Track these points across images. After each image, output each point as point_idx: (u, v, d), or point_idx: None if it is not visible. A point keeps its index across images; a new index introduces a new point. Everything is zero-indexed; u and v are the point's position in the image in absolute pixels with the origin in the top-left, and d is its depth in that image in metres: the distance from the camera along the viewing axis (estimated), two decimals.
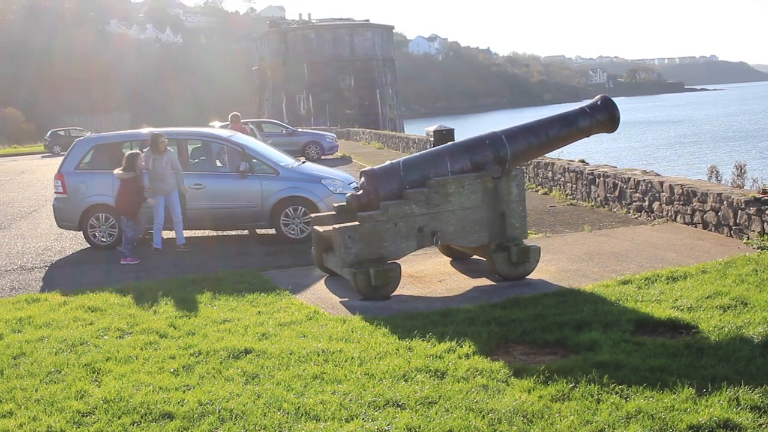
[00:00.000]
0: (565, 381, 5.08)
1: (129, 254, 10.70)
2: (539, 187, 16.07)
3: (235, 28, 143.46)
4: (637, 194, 12.02)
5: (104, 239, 11.87)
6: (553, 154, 15.40)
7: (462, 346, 5.89)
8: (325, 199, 11.48)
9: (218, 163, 12.67)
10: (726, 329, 5.95)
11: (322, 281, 8.66)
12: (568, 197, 14.46)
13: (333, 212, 8.80)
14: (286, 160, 12.47)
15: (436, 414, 4.73)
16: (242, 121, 28.79)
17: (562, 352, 5.84)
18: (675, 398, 4.75)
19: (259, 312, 7.32)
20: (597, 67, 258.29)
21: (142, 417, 4.93)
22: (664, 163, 39.72)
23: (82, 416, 5.02)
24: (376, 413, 4.79)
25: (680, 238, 9.89)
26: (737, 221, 9.60)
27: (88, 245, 12.03)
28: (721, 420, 4.41)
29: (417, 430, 4.53)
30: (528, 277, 8.22)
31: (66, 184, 11.99)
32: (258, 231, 12.74)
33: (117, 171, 10.73)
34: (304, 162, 12.93)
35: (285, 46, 71.57)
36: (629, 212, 12.18)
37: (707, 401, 4.68)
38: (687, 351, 5.57)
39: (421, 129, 39.75)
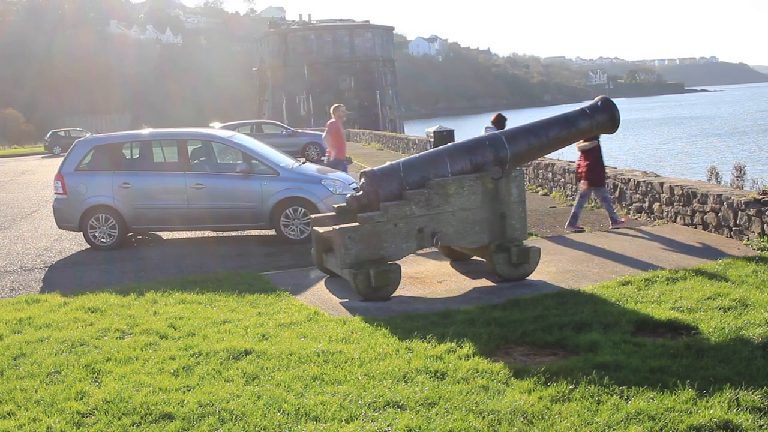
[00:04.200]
0: (565, 382, 5.08)
1: (617, 217, 11.20)
2: (539, 188, 16.06)
3: (236, 29, 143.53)
4: (637, 195, 12.03)
5: (104, 240, 11.87)
6: (553, 155, 15.40)
7: (462, 347, 5.89)
8: (325, 199, 11.48)
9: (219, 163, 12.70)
10: (726, 330, 5.95)
11: (322, 282, 8.65)
12: (568, 198, 14.46)
13: (333, 213, 8.80)
14: (286, 160, 12.47)
15: (436, 415, 4.73)
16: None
17: (563, 353, 5.84)
18: (675, 399, 4.75)
19: (259, 313, 7.31)
20: (597, 68, 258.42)
21: (142, 418, 4.92)
22: (662, 162, 39.73)
23: (82, 417, 5.01)
24: (376, 414, 4.79)
25: (680, 240, 9.88)
26: (737, 222, 9.60)
27: (88, 246, 12.03)
28: (722, 421, 4.41)
29: (417, 430, 4.53)
30: (528, 277, 8.22)
31: (66, 184, 11.99)
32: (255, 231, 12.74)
33: (579, 144, 10.90)
34: (304, 163, 12.93)
35: (285, 47, 71.62)
36: (629, 213, 12.18)
37: (707, 402, 4.68)
38: (687, 352, 5.57)
39: (421, 130, 39.78)
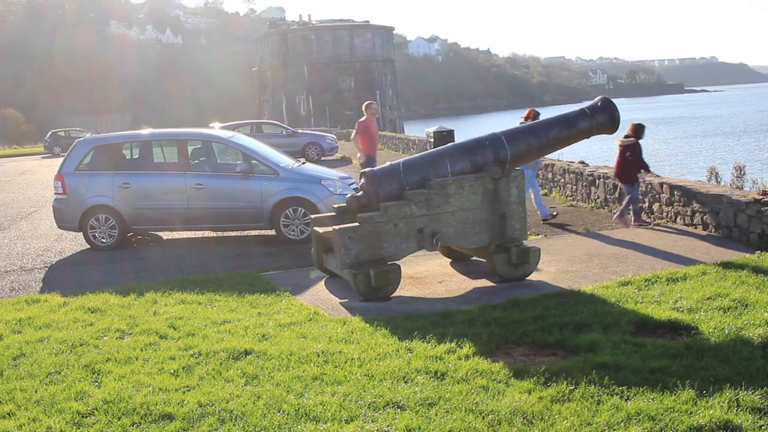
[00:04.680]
0: (565, 382, 5.08)
1: (626, 217, 11.30)
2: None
3: (236, 29, 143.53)
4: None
5: (104, 240, 11.88)
6: (553, 156, 15.40)
7: (462, 347, 5.89)
8: (324, 200, 11.49)
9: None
10: (726, 330, 5.95)
11: (322, 282, 8.66)
12: (568, 198, 14.46)
13: (333, 213, 8.80)
14: (285, 161, 12.47)
15: (436, 415, 4.73)
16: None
17: (563, 354, 5.84)
18: (675, 399, 4.75)
19: (259, 313, 7.31)
20: (597, 69, 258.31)
21: (142, 418, 4.92)
22: (662, 162, 39.73)
23: (82, 417, 5.01)
24: (376, 414, 4.79)
25: (680, 240, 9.88)
26: (737, 222, 9.60)
27: (88, 246, 12.03)
28: (721, 421, 4.41)
29: (417, 431, 4.53)
30: (528, 278, 8.22)
31: (66, 185, 11.99)
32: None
33: (618, 140, 11.09)
34: (303, 163, 12.93)
35: (285, 47, 71.68)
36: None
37: (707, 403, 4.68)
38: (687, 352, 5.57)
39: (421, 130, 39.75)
